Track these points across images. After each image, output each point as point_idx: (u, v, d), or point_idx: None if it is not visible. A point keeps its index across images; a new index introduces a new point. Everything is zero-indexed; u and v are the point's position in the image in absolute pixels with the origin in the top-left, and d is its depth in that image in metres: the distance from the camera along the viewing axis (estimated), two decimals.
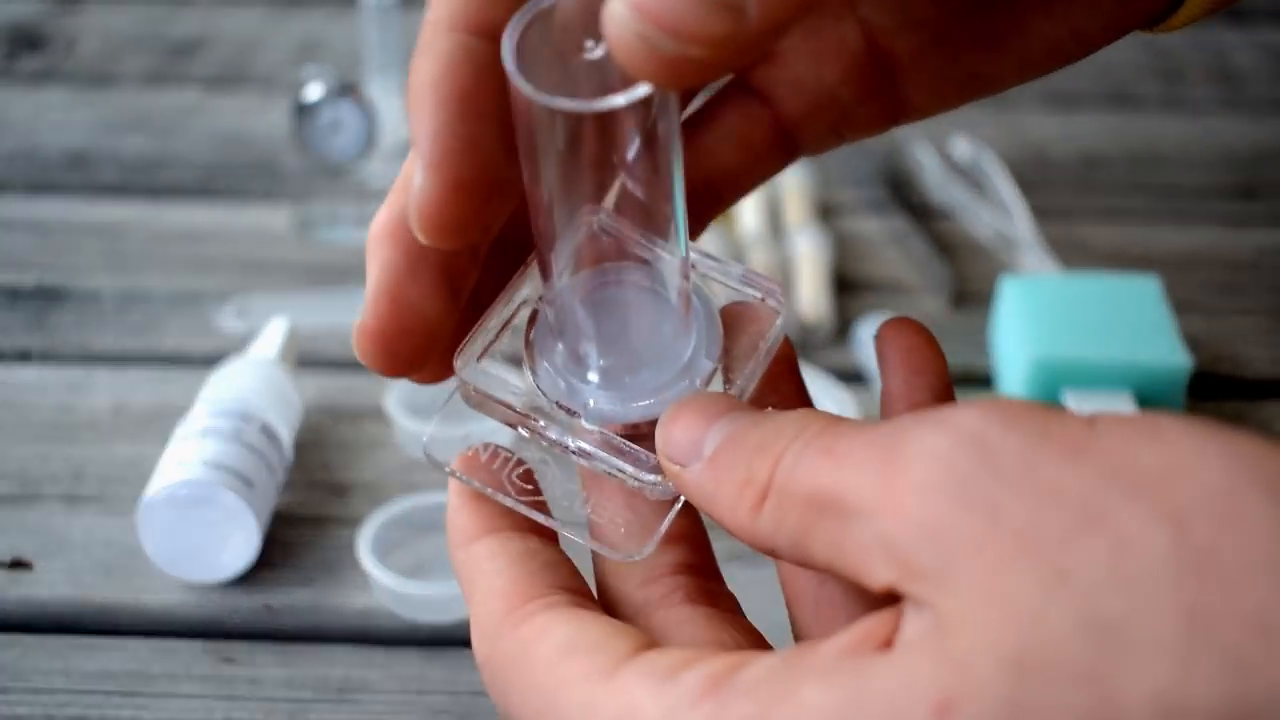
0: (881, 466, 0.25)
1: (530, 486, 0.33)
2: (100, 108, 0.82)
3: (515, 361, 0.34)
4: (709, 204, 0.36)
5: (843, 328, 0.62)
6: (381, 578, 0.46)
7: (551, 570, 0.31)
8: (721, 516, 0.29)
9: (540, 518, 0.32)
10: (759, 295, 0.34)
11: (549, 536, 0.32)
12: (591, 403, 0.32)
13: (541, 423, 0.32)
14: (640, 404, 0.32)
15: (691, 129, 0.36)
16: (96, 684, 0.44)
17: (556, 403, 0.32)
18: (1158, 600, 0.23)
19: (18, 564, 0.49)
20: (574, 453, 0.32)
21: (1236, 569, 0.22)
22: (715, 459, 0.29)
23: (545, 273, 0.32)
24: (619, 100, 0.27)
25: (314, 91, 0.72)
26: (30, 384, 0.59)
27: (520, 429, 0.33)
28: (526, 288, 0.34)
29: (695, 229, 0.36)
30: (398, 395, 0.55)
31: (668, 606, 0.31)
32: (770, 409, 0.29)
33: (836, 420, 0.28)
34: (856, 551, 0.26)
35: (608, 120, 0.28)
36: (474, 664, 0.45)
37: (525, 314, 0.33)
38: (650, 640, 0.29)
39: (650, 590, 0.31)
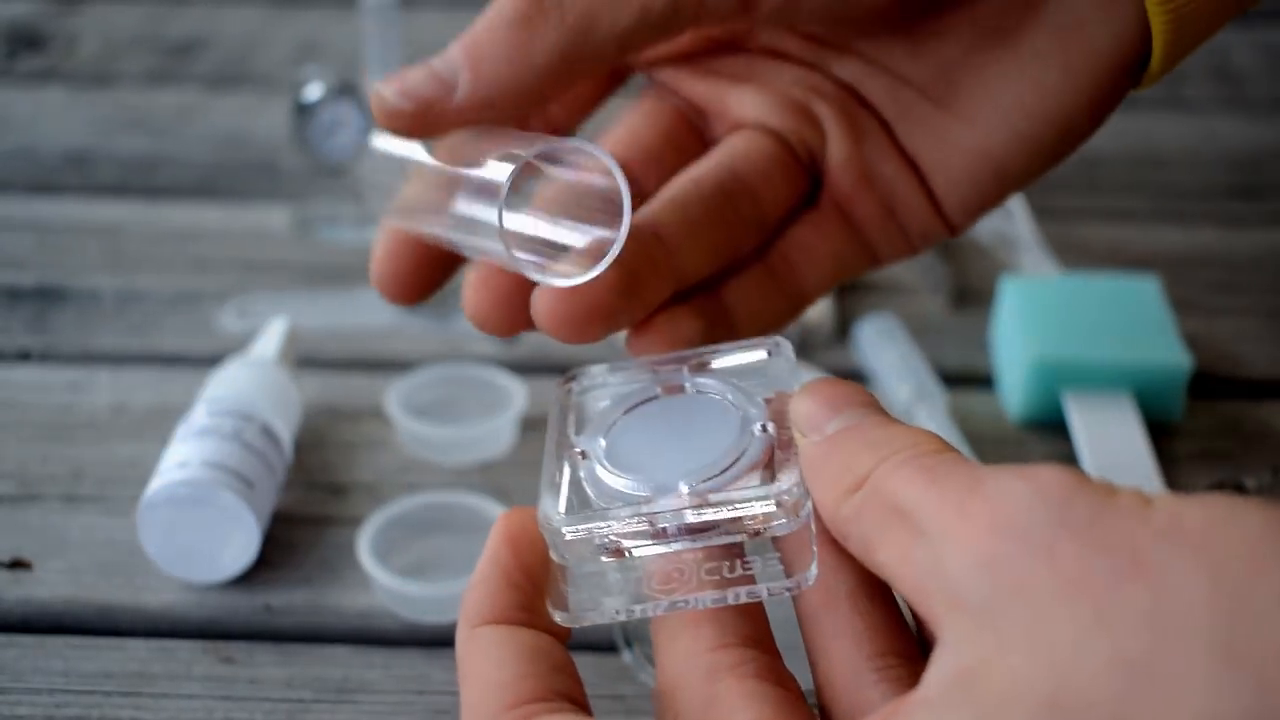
0: (962, 500, 0.27)
1: (673, 585, 0.33)
2: (100, 108, 0.82)
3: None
4: (794, 300, 0.41)
5: (843, 328, 0.62)
6: (381, 578, 0.46)
7: (558, 675, 0.32)
8: (816, 490, 0.31)
9: (737, 593, 0.32)
10: (765, 353, 0.37)
11: (560, 636, 0.33)
12: (682, 485, 0.33)
13: (660, 514, 0.33)
14: (723, 469, 0.33)
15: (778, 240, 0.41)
16: (96, 684, 0.44)
17: (647, 502, 0.33)
18: (1190, 638, 0.24)
19: (18, 564, 0.49)
20: (697, 528, 0.33)
21: (1267, 603, 0.24)
22: (832, 439, 0.31)
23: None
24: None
25: (314, 91, 0.72)
26: (30, 384, 0.59)
27: (634, 542, 0.33)
28: (562, 435, 0.37)
29: (785, 323, 0.41)
30: (398, 395, 0.55)
31: (739, 677, 0.31)
32: (897, 419, 0.32)
33: (948, 448, 0.30)
34: (917, 573, 0.28)
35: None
36: None
37: (570, 460, 0.36)
38: (718, 661, 0.30)
39: (721, 655, 0.31)
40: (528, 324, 0.37)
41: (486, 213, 0.33)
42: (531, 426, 0.55)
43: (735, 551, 0.33)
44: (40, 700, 0.43)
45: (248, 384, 0.52)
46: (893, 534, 0.28)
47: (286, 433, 0.52)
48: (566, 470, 0.35)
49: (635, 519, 0.32)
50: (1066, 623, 0.25)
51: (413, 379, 0.57)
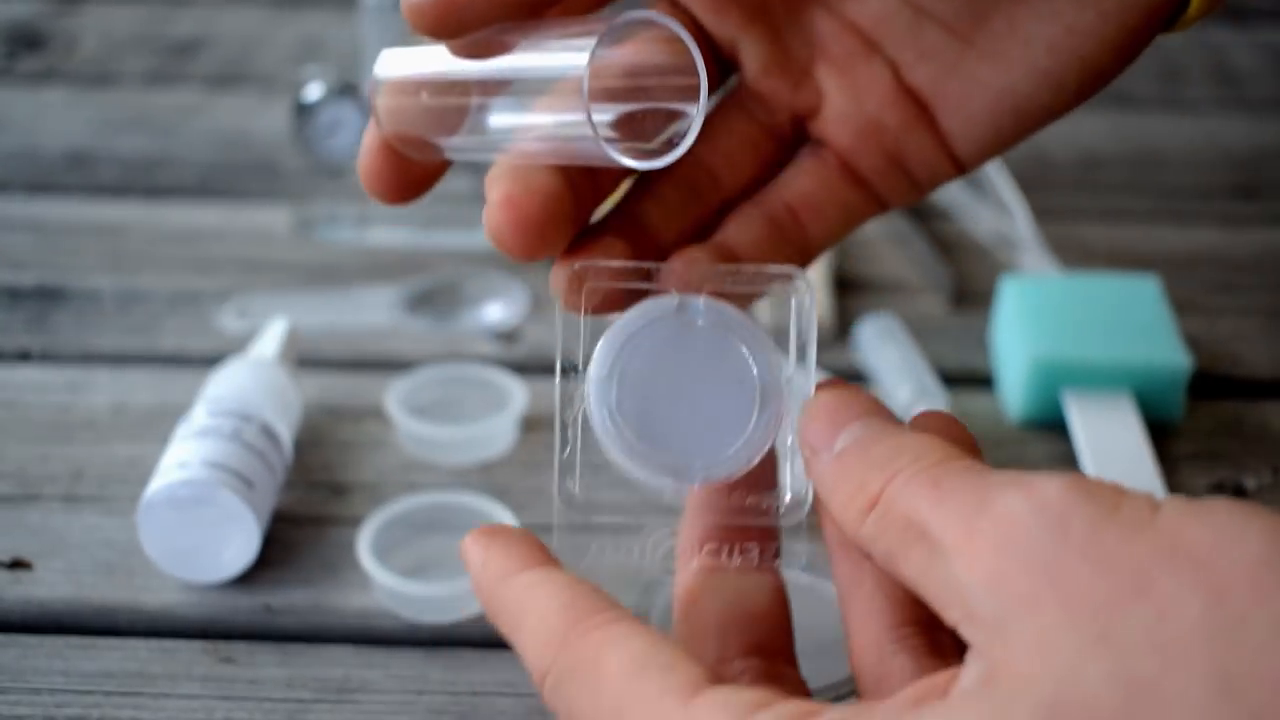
0: (970, 516, 0.28)
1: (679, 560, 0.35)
2: (100, 108, 0.82)
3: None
4: (804, 251, 0.40)
5: (843, 328, 0.62)
6: (381, 578, 0.46)
7: (602, 595, 0.32)
8: (834, 510, 0.32)
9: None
10: (785, 286, 0.36)
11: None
12: (697, 476, 0.34)
13: (664, 510, 0.34)
14: (733, 450, 0.35)
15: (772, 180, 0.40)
16: (96, 684, 0.44)
17: (668, 483, 0.34)
18: (1190, 663, 0.24)
19: (18, 564, 0.49)
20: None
21: (1265, 636, 0.24)
22: (842, 457, 0.32)
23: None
24: None
25: (314, 91, 0.72)
26: (30, 384, 0.59)
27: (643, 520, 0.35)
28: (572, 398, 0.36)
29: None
30: (398, 395, 0.55)
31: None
32: (902, 424, 0.33)
33: (953, 456, 0.31)
34: (936, 586, 0.29)
35: None
36: (474, 664, 0.46)
37: (583, 420, 0.35)
38: (721, 674, 0.31)
39: (720, 670, 0.33)
40: (550, 248, 0.36)
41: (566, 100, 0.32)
42: (531, 427, 0.55)
43: (736, 535, 0.35)
44: (40, 700, 0.43)
45: (247, 384, 0.52)
46: (911, 550, 0.29)
47: (286, 433, 0.52)
48: (578, 424, 0.35)
49: (645, 506, 0.34)
50: (1070, 639, 0.26)
51: (413, 379, 0.57)
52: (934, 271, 0.65)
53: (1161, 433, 0.55)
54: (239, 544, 0.48)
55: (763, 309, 0.42)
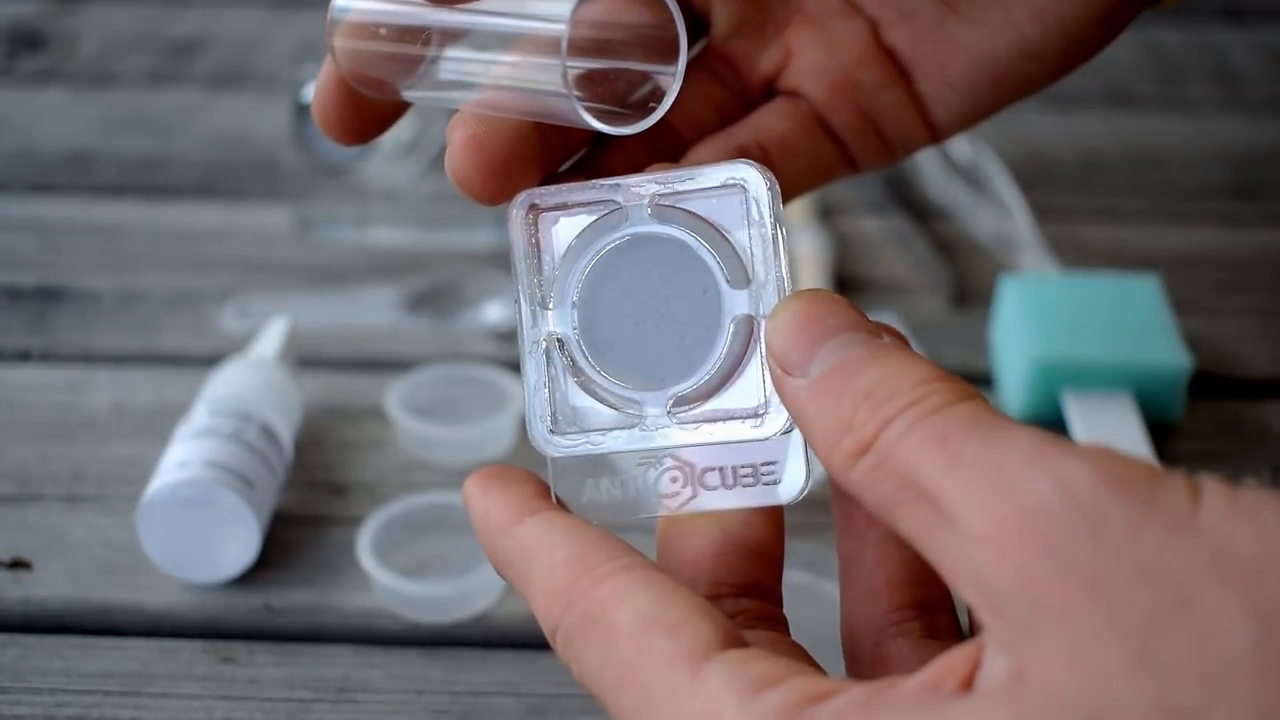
0: (990, 497, 0.26)
1: (675, 492, 0.33)
2: (100, 108, 0.82)
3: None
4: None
5: None
6: (381, 578, 0.46)
7: (610, 540, 0.31)
8: (815, 445, 0.29)
9: (748, 499, 0.33)
10: (738, 179, 0.33)
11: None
12: (670, 399, 0.32)
13: (647, 442, 0.33)
14: (703, 365, 0.32)
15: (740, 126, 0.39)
16: (96, 684, 0.44)
17: (639, 418, 0.33)
18: (1234, 696, 0.23)
19: (18, 564, 0.49)
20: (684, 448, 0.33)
21: None
22: (822, 385, 0.29)
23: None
24: None
25: (314, 91, 0.72)
26: (30, 384, 0.59)
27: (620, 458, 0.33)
28: (539, 336, 0.34)
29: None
30: (398, 395, 0.55)
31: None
32: (887, 339, 0.29)
33: (954, 399, 0.27)
34: (947, 559, 0.26)
35: None
36: (474, 664, 0.46)
37: (549, 357, 0.34)
38: (731, 629, 0.29)
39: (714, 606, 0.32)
40: (516, 190, 0.34)
41: (540, 56, 0.31)
42: None
43: (730, 457, 0.33)
44: (40, 700, 0.43)
45: (248, 384, 0.52)
46: (911, 508, 0.27)
47: (286, 433, 0.52)
48: (543, 362, 0.33)
49: (621, 439, 0.32)
50: (1109, 656, 0.24)
51: (413, 379, 0.57)
52: (934, 271, 0.65)
53: (1161, 433, 0.55)
54: (239, 544, 0.48)
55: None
